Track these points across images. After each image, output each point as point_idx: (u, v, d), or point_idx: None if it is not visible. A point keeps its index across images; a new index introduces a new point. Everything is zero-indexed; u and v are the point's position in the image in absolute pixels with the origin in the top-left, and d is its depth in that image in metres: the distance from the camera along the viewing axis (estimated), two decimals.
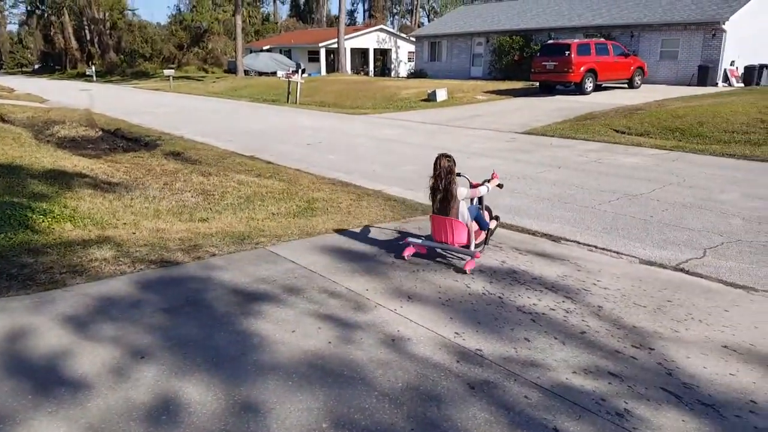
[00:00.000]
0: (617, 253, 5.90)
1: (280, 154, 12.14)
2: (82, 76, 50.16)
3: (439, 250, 5.65)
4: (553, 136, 14.35)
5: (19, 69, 77.98)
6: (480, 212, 5.58)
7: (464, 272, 5.14)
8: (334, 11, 71.66)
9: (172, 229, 6.36)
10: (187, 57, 59.28)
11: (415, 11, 71.68)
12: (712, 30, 23.89)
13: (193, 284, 4.70)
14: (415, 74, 38.40)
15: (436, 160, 5.16)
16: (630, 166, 10.48)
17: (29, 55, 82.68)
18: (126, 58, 57.94)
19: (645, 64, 24.05)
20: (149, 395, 3.14)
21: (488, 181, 5.64)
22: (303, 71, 31.42)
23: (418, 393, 3.21)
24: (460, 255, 5.48)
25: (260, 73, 44.16)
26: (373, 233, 6.35)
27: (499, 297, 4.62)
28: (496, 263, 5.44)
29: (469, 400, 3.16)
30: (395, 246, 5.85)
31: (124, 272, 4.91)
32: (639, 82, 23.50)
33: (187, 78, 44.69)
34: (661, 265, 5.52)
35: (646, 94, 20.44)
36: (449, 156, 5.19)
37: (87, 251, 5.32)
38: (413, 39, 42.02)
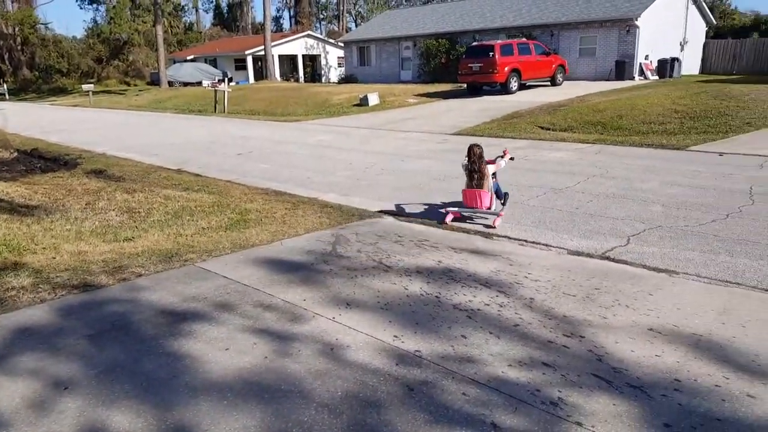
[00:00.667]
0: (546, 245, 6.07)
1: (208, 165, 11.84)
2: None
3: (468, 214, 7.11)
4: (482, 135, 14.64)
5: None
6: (499, 186, 7.16)
7: (493, 227, 6.69)
8: (259, 18, 70.83)
9: (95, 251, 6.07)
10: (107, 70, 56.87)
11: (341, 16, 71.57)
12: (627, 26, 25.10)
13: (118, 307, 4.50)
14: (346, 79, 38.39)
15: (469, 149, 6.81)
16: (555, 161, 10.83)
17: None
18: (41, 74, 54.95)
19: (566, 62, 24.99)
20: (74, 428, 2.97)
21: (501, 157, 7.19)
22: (230, 80, 30.84)
23: (358, 400, 3.18)
24: (485, 216, 7.03)
25: (185, 84, 43.00)
26: (310, 241, 6.28)
27: (436, 296, 4.66)
28: (432, 263, 5.48)
29: (408, 402, 3.15)
30: (333, 254, 5.81)
31: (44, 299, 4.65)
32: (561, 80, 24.37)
33: (108, 92, 42.94)
34: (589, 255, 5.72)
35: (568, 91, 21.21)
36: (479, 145, 6.87)
37: (2, 280, 5.01)
38: (342, 44, 42.03)
